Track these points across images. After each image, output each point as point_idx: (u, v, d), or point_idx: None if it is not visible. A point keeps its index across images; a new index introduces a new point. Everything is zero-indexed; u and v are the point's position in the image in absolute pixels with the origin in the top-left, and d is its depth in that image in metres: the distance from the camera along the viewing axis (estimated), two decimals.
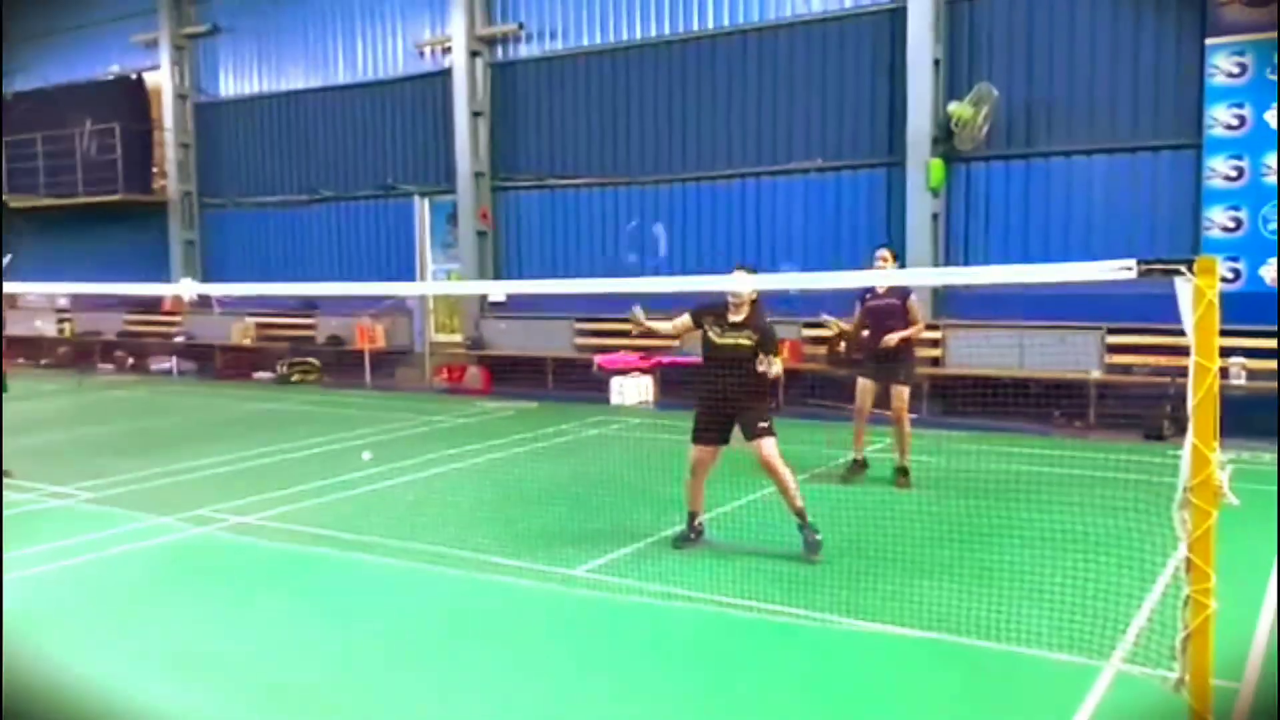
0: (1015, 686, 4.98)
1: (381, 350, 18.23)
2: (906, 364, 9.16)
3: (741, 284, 7.17)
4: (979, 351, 13.15)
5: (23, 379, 18.89)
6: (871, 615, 5.81)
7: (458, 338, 17.99)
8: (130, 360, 21.09)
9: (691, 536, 7.37)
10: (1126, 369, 12.40)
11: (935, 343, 13.58)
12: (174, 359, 20.42)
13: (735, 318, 7.19)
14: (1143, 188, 12.56)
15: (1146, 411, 11.59)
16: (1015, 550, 6.68)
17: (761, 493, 8.52)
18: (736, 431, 7.22)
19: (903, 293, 9.06)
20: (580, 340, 16.42)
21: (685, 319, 7.48)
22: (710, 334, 7.27)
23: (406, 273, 18.28)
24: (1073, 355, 12.42)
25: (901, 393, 9.02)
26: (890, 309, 9.00)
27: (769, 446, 7.01)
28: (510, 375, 16.82)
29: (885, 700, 4.88)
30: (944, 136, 13.43)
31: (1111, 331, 12.42)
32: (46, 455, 11.29)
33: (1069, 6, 12.87)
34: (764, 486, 8.49)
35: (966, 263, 13.55)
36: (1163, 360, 11.45)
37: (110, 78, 22.22)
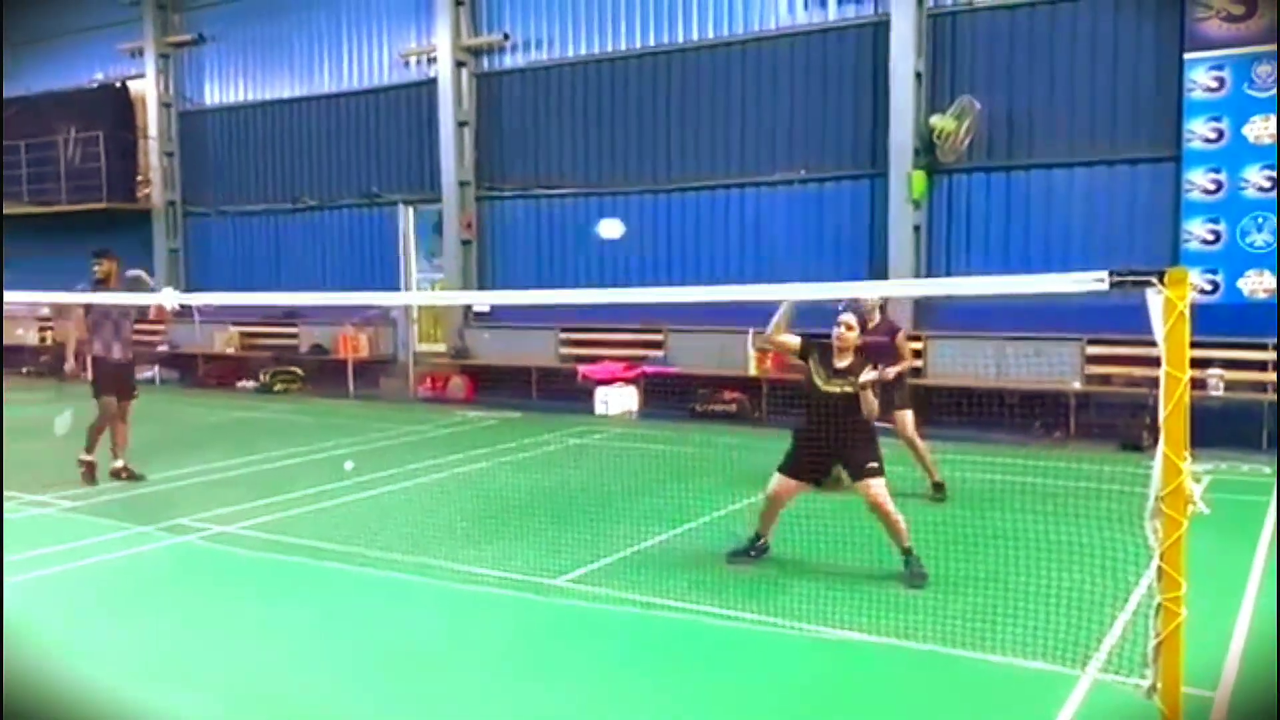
0: (992, 695, 5.01)
1: (365, 359, 18.20)
2: (901, 390, 9.13)
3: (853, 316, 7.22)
4: (959, 362, 13.24)
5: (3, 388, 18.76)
6: (847, 623, 5.83)
7: (441, 347, 17.98)
8: None
9: (751, 554, 7.14)
10: (1106, 379, 12.49)
11: (916, 353, 13.63)
12: (156, 367, 20.31)
13: (840, 363, 6.91)
14: (1122, 200, 12.67)
15: (1124, 422, 11.68)
16: (992, 560, 6.72)
17: (746, 502, 8.56)
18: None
19: (891, 329, 9.05)
20: (565, 350, 16.43)
21: (797, 342, 7.05)
22: (816, 378, 6.92)
23: (391, 282, 18.25)
24: (1052, 366, 12.52)
25: (905, 416, 8.95)
26: (880, 346, 8.75)
27: (877, 487, 6.71)
28: (494, 385, 16.82)
29: (859, 709, 4.91)
30: (926, 148, 13.53)
31: (1092, 342, 12.51)
32: (26, 464, 11.20)
33: (1049, 21, 12.99)
34: (749, 496, 8.55)
35: (948, 274, 13.63)
36: (1140, 371, 11.54)
37: (95, 85, 22.15)
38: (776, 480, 7.04)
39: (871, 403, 6.72)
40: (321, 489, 9.74)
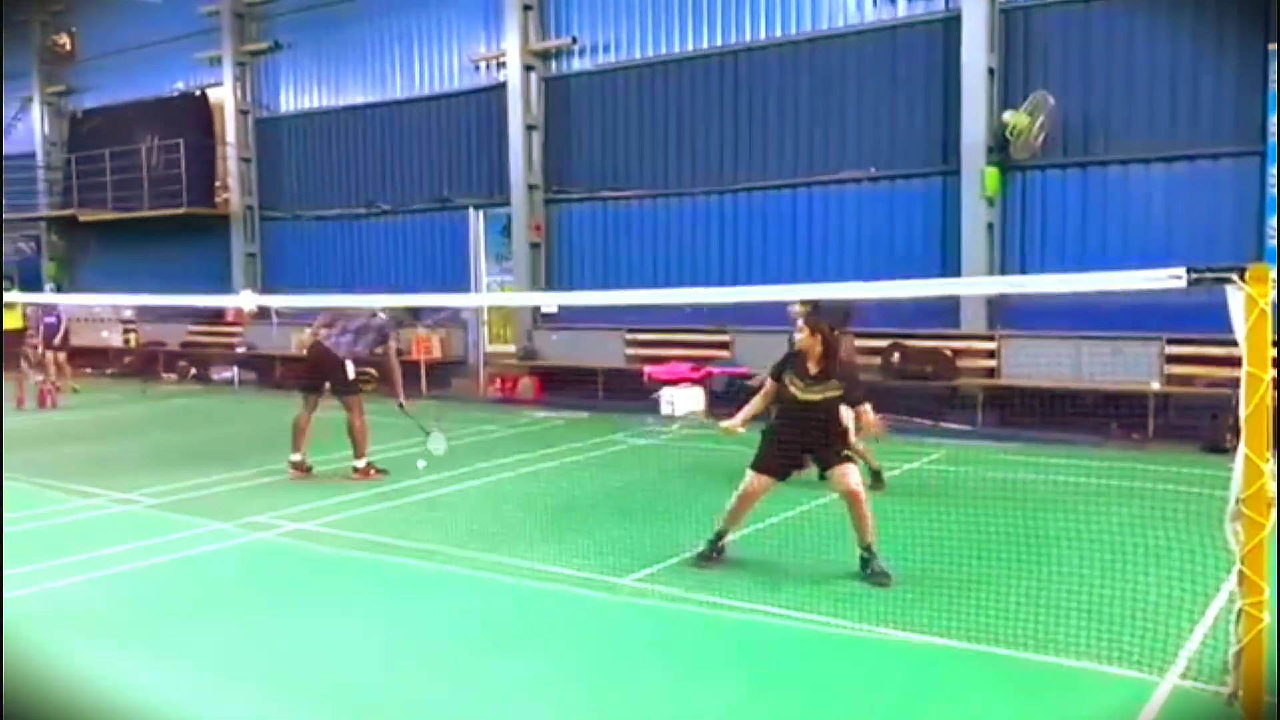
0: (1070, 701, 4.91)
1: (437, 361, 18.44)
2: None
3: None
4: (1035, 363, 13.00)
5: (89, 388, 19.42)
6: (922, 628, 5.76)
7: (511, 348, 18.15)
8: (193, 370, 21.55)
9: (714, 555, 7.10)
10: (1187, 380, 12.16)
11: (991, 353, 13.44)
12: (235, 369, 20.83)
13: (813, 370, 6.95)
14: (1203, 197, 12.34)
15: (1206, 424, 11.36)
16: (1070, 563, 6.59)
17: (813, 504, 8.51)
18: None
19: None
20: (631, 351, 16.48)
21: (769, 384, 7.25)
22: (793, 390, 6.99)
23: (461, 284, 18.49)
24: (1131, 366, 12.23)
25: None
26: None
27: (852, 473, 6.82)
28: (562, 386, 16.94)
29: (935, 715, 4.85)
30: (999, 145, 13.31)
31: (1172, 342, 12.19)
32: (112, 462, 11.60)
33: (1126, 13, 12.71)
34: (816, 499, 8.50)
35: (1023, 272, 13.41)
36: (1224, 372, 11.21)
37: (176, 94, 22.82)
38: (748, 479, 7.10)
39: (859, 419, 7.12)
40: (393, 487, 9.92)
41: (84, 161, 23.63)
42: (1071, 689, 5.01)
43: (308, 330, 10.99)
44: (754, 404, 7.37)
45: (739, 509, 7.15)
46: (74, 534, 8.39)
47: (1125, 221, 12.90)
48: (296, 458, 10.54)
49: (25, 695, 5.04)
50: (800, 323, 7.30)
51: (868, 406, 7.18)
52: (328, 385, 10.61)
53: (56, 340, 16.90)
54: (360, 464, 10.44)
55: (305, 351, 10.56)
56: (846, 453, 6.97)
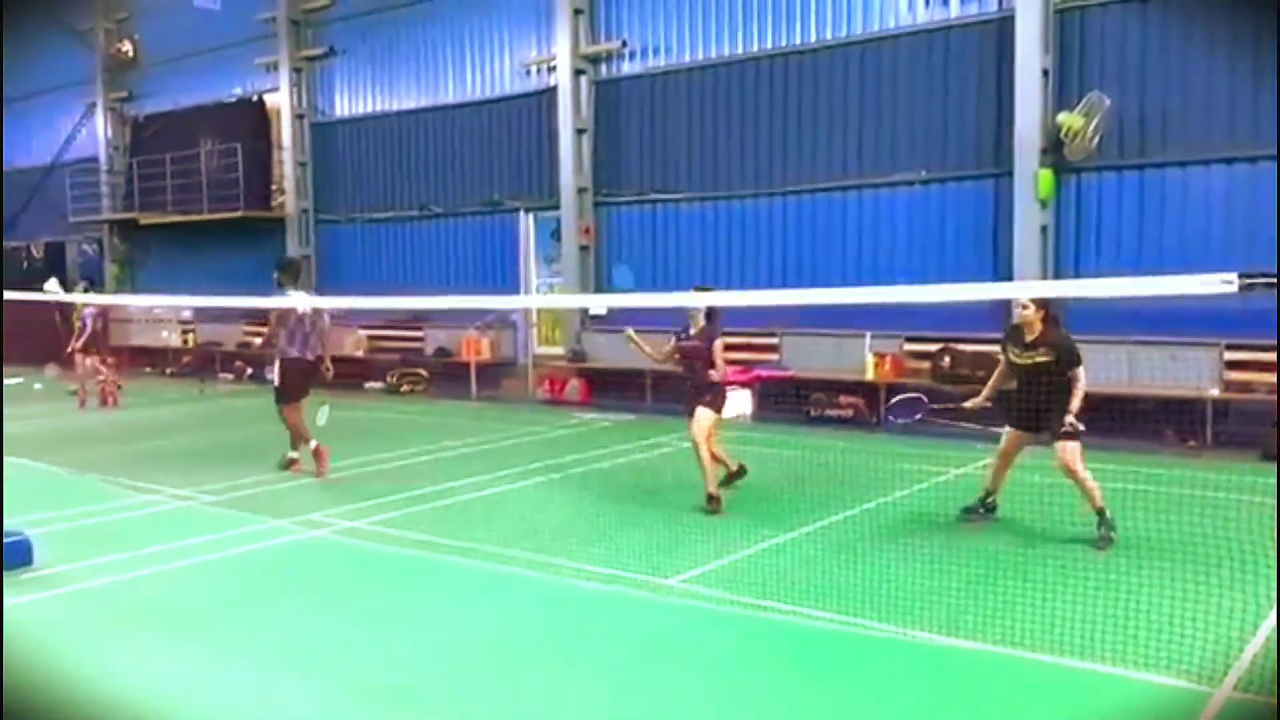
0: (1123, 709, 4.85)
1: (487, 362, 18.60)
2: (714, 396, 9.14)
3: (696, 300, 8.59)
4: (1088, 366, 12.75)
5: (148, 387, 19.86)
6: (969, 634, 5.72)
7: (560, 350, 18.26)
8: (248, 370, 21.94)
9: (980, 511, 8.24)
10: (1246, 386, 11.91)
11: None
12: None
13: (1029, 337, 7.81)
14: (1264, 199, 12.04)
15: (1265, 431, 11.12)
16: (1121, 571, 6.50)
17: (861, 508, 8.48)
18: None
19: (710, 337, 9.17)
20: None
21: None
22: (1010, 355, 7.98)
23: (511, 286, 18.64)
24: (1188, 371, 12.00)
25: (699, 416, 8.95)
26: (696, 351, 9.21)
27: (1070, 451, 7.62)
28: (610, 388, 17.00)
29: None
30: (1053, 147, 13.14)
31: (1230, 347, 11.95)
32: (171, 459, 11.86)
33: (1184, 12, 12.48)
34: (865, 502, 8.47)
35: (1077, 275, 13.20)
36: None
37: (233, 99, 23.23)
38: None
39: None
40: (445, 486, 10.05)
41: (145, 165, 24.14)
42: (1123, 697, 4.95)
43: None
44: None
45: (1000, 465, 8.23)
46: (135, 529, 8.60)
47: (1183, 224, 12.66)
48: (294, 455, 11.08)
49: (74, 689, 5.20)
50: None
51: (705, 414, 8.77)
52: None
53: (79, 344, 16.96)
54: (294, 454, 11.06)
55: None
56: (1067, 429, 7.64)
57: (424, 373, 19.33)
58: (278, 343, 10.90)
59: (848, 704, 4.98)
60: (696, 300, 9.47)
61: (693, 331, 9.28)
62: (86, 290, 18.39)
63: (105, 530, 8.61)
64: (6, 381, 16.37)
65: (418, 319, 19.96)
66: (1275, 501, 3.98)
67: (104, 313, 17.43)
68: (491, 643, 5.88)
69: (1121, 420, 12.03)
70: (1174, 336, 12.13)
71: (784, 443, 12.43)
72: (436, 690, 5.25)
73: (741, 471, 9.62)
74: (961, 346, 13.60)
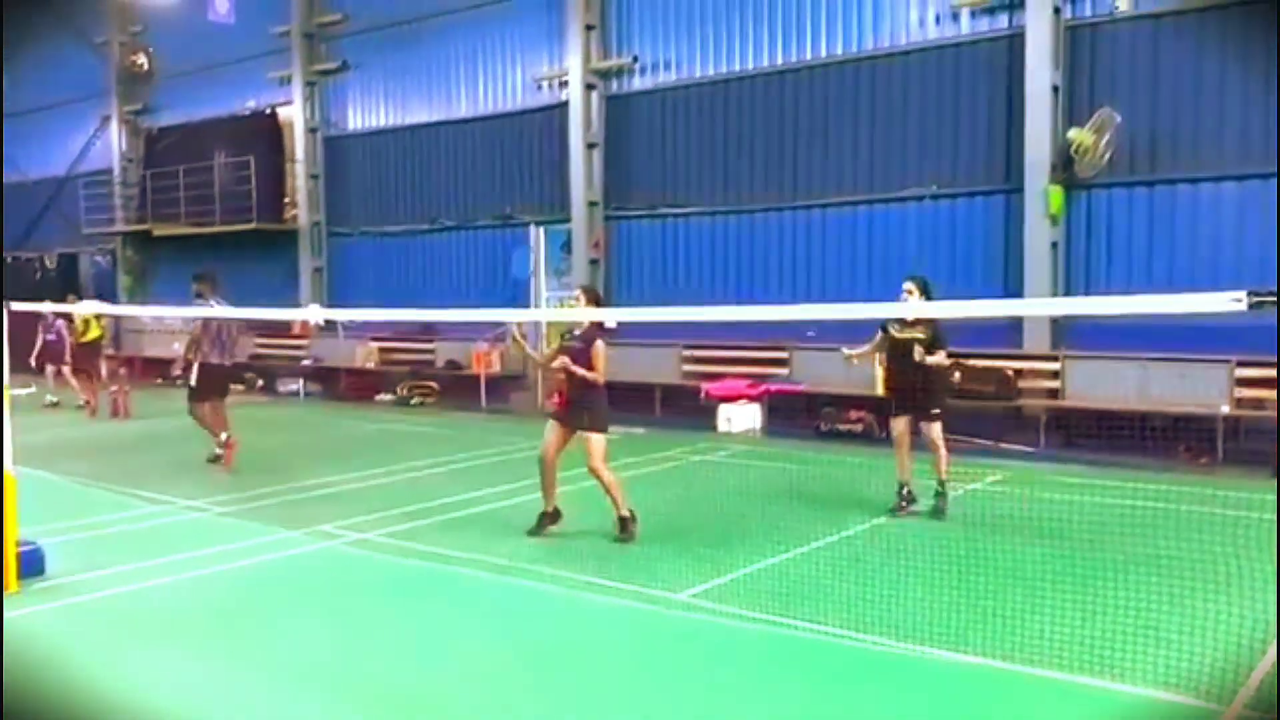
0: None
1: (496, 375, 18.64)
2: (593, 412, 8.57)
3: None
4: (1100, 384, 12.80)
5: (161, 398, 19.92)
6: (979, 650, 5.71)
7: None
8: (260, 381, 22.01)
9: (904, 505, 8.92)
10: (1258, 404, 11.87)
11: (1054, 374, 13.26)
12: (301, 380, 21.24)
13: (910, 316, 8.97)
14: (1276, 215, 12.04)
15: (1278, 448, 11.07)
16: (1132, 589, 6.48)
17: (871, 522, 8.48)
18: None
19: (589, 338, 8.56)
20: (688, 367, 16.50)
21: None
22: (891, 330, 9.06)
23: (522, 300, 18.68)
24: (1199, 388, 11.97)
25: (592, 441, 8.42)
26: (577, 352, 8.52)
27: (937, 430, 8.87)
28: (619, 402, 16.94)
29: None
30: (1064, 163, 13.16)
31: (1242, 364, 11.92)
32: (183, 469, 11.91)
33: (1196, 29, 12.51)
34: (875, 517, 8.47)
35: (1088, 292, 13.20)
36: None
37: (247, 112, 23.38)
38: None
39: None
40: (455, 499, 10.07)
41: (158, 177, 24.31)
42: (1132, 714, 4.94)
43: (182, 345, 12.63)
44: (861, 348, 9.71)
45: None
46: (147, 540, 8.64)
47: (1193, 240, 12.66)
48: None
49: (85, 700, 5.22)
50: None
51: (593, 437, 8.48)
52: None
53: (66, 356, 17.56)
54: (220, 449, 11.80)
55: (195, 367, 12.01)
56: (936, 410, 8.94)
57: (434, 385, 19.37)
58: (201, 349, 11.93)
59: (856, 719, 4.97)
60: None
61: (577, 331, 8.66)
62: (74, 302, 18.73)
63: (118, 540, 8.65)
64: (19, 392, 16.45)
65: (428, 331, 20.02)
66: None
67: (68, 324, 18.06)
68: (502, 655, 5.88)
69: (1133, 437, 12.01)
70: (1185, 353, 12.11)
71: (794, 457, 12.43)
72: (446, 701, 5.26)
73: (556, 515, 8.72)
74: (971, 362, 13.57)
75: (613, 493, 8.43)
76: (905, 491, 9.06)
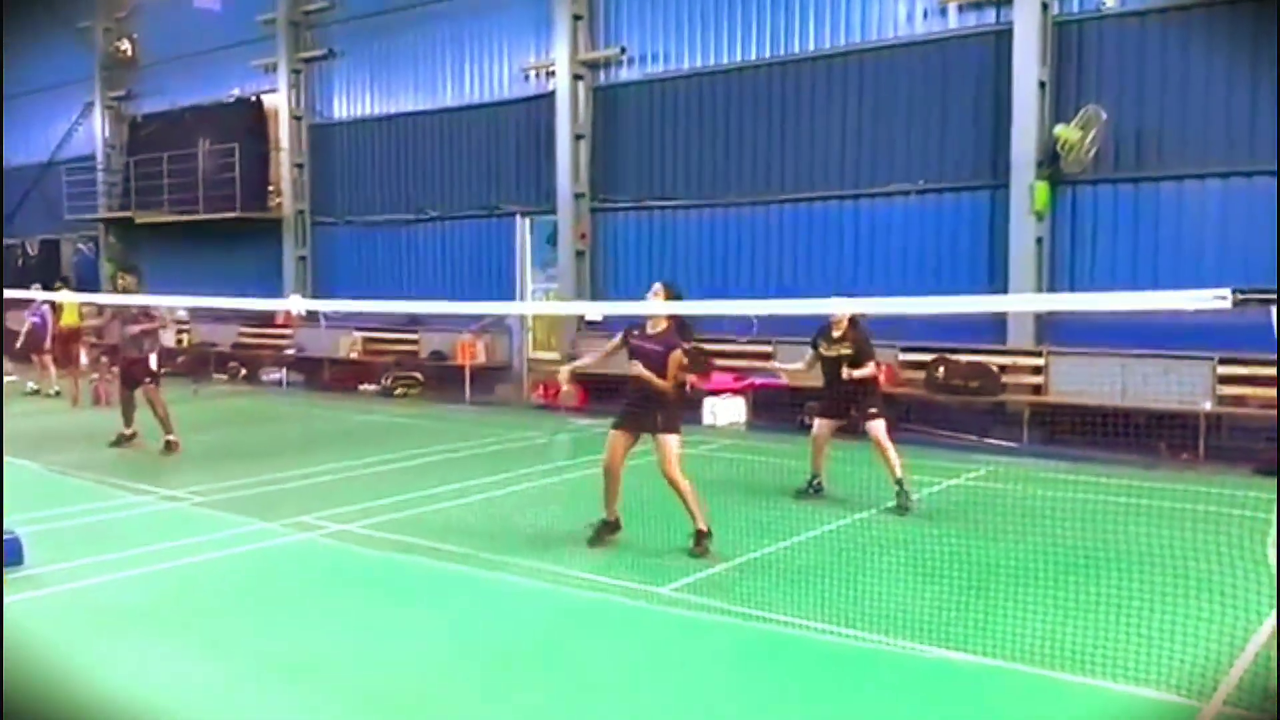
0: None
1: (481, 366, 18.59)
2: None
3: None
4: (1083, 380, 12.83)
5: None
6: (961, 645, 5.71)
7: (555, 355, 18.23)
8: (243, 371, 21.90)
9: (810, 491, 9.53)
10: (1240, 400, 11.93)
11: (1038, 369, 13.30)
12: (284, 371, 21.14)
13: (837, 333, 9.38)
14: (1261, 213, 12.08)
15: (1259, 446, 11.14)
16: (1113, 585, 6.50)
17: (853, 517, 8.48)
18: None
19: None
20: None
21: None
22: (820, 348, 9.51)
23: (507, 291, 18.62)
24: (1182, 385, 12.01)
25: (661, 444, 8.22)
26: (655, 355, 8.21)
27: (878, 427, 9.17)
28: (606, 394, 16.94)
29: None
30: (1050, 159, 13.17)
31: (1224, 362, 11.97)
32: (163, 460, 11.84)
33: (1183, 26, 12.53)
34: (857, 512, 8.46)
35: (1072, 289, 13.23)
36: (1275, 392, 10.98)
37: (232, 100, 23.20)
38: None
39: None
40: (437, 490, 10.01)
41: (142, 165, 24.10)
42: (1113, 710, 4.95)
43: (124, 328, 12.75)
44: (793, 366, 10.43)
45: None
46: (126, 530, 8.57)
47: (1178, 238, 12.69)
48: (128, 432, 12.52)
49: (64, 690, 5.17)
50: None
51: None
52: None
53: (47, 343, 17.46)
54: (172, 438, 12.20)
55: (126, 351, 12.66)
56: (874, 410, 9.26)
57: (419, 376, 19.30)
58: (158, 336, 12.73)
59: (838, 714, 4.96)
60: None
61: (650, 331, 8.26)
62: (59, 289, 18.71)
63: (96, 530, 8.58)
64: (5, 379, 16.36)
65: (413, 322, 19.94)
66: (1270, 515, 3.99)
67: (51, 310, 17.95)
68: (482, 650, 5.85)
69: (1115, 433, 12.05)
70: (1167, 350, 12.15)
71: (777, 451, 12.43)
72: (423, 695, 5.23)
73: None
74: (956, 357, 13.61)
75: (689, 503, 7.84)
76: (815, 481, 9.65)
